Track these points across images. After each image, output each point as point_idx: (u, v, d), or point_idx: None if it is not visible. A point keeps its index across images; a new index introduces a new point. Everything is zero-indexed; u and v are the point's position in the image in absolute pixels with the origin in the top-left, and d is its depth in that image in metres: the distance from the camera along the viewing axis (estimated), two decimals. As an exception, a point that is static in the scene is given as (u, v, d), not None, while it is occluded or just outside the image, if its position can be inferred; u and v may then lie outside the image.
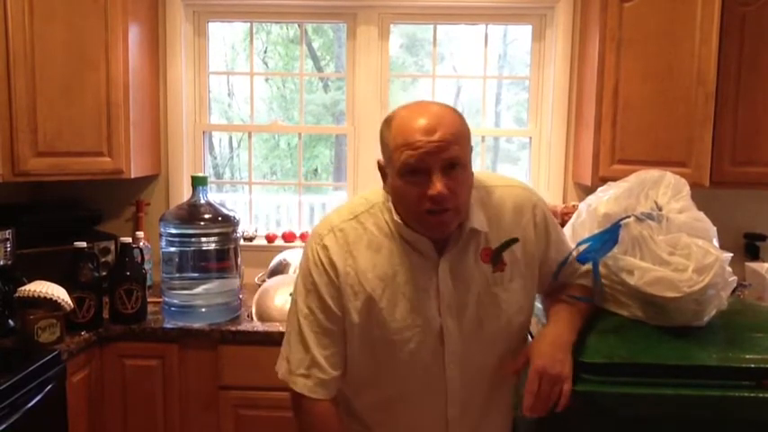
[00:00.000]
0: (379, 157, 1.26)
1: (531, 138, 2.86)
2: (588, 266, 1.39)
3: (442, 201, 1.14)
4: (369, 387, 1.33)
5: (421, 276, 1.24)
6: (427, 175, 1.14)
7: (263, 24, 3.81)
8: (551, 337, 1.24)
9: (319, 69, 5.03)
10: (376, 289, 1.23)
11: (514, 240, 1.28)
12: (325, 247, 1.26)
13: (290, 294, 1.36)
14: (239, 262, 2.37)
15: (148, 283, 2.45)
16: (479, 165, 2.95)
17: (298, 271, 1.34)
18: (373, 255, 1.24)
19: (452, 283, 1.25)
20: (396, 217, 1.23)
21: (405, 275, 1.24)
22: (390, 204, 1.25)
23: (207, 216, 2.26)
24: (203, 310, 2.25)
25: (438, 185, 1.13)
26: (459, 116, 1.21)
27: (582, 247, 1.43)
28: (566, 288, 1.37)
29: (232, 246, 2.32)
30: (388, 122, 1.21)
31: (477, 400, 1.33)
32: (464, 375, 1.29)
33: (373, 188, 1.32)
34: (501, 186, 1.33)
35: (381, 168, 1.26)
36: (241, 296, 2.38)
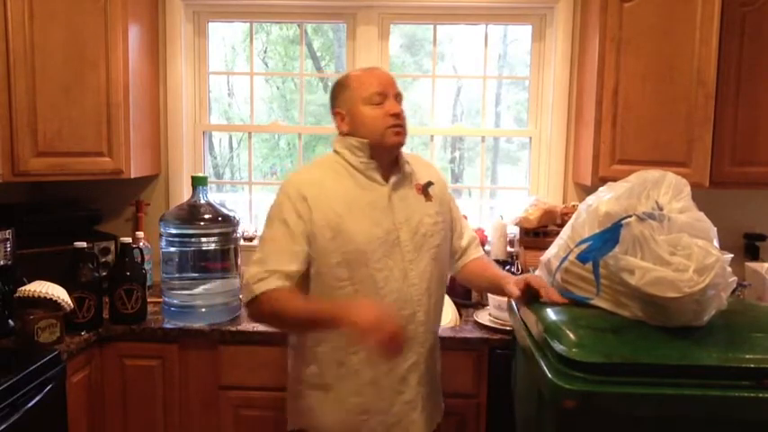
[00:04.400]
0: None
1: (531, 138, 2.85)
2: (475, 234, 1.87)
3: (398, 115, 1.59)
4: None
5: (377, 199, 1.60)
6: (386, 100, 1.59)
7: (263, 24, 3.80)
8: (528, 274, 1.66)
9: (319, 69, 5.02)
10: (342, 211, 1.56)
11: (431, 183, 1.71)
12: (295, 186, 1.58)
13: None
14: (239, 262, 2.37)
15: (148, 283, 2.46)
16: (479, 165, 2.95)
17: (268, 218, 1.62)
18: (337, 186, 1.59)
19: (400, 204, 1.62)
20: (354, 141, 1.60)
21: (364, 199, 1.59)
22: (350, 141, 1.61)
23: (207, 216, 2.25)
24: (203, 310, 2.25)
25: (396, 106, 1.61)
26: None
27: (582, 247, 1.43)
28: (484, 268, 1.80)
29: (232, 246, 2.32)
30: (345, 80, 1.65)
31: (432, 309, 1.67)
32: (422, 283, 1.61)
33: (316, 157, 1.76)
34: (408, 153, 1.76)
35: (340, 115, 1.64)
36: (241, 296, 2.38)
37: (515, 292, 1.57)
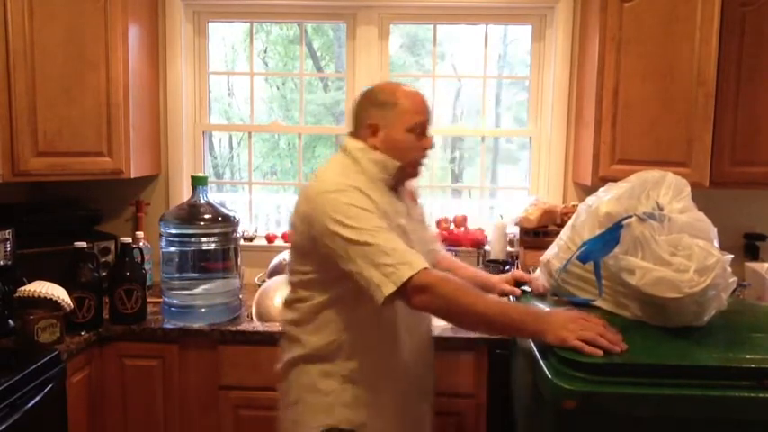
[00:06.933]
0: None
1: (531, 138, 2.85)
2: None
3: (430, 149, 1.63)
4: None
5: (402, 211, 1.61)
6: (425, 132, 1.60)
7: (263, 24, 3.81)
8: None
9: (319, 69, 5.03)
10: (385, 217, 1.51)
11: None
12: (359, 188, 1.49)
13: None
14: (239, 262, 2.37)
15: (148, 283, 2.45)
16: (479, 164, 2.95)
17: (332, 221, 1.45)
18: (377, 195, 1.52)
19: (414, 218, 1.68)
20: (387, 161, 1.57)
21: (397, 210, 1.58)
22: (381, 158, 1.57)
23: (207, 216, 2.25)
24: (203, 310, 2.25)
25: (431, 141, 1.63)
26: None
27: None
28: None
29: (232, 246, 2.32)
30: (392, 97, 1.57)
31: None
32: None
33: (332, 163, 1.62)
34: None
35: (373, 128, 1.57)
36: (241, 296, 2.38)
37: (517, 291, 1.76)
